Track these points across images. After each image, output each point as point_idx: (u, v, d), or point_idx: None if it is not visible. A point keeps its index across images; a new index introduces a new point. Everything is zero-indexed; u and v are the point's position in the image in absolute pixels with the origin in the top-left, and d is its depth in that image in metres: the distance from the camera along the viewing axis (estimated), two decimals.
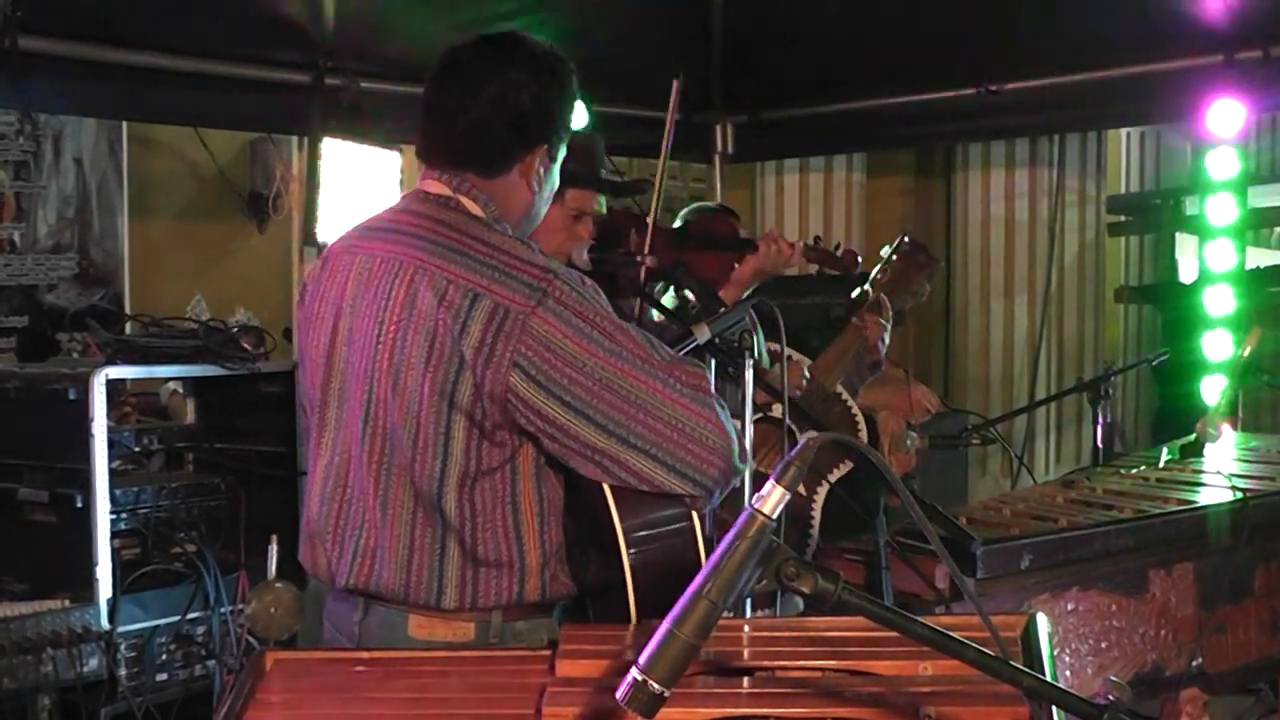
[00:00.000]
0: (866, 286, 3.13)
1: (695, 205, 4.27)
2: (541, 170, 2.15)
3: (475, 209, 2.09)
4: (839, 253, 3.36)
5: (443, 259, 2.00)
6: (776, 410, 2.71)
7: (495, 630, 2.04)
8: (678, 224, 4.03)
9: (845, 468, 2.87)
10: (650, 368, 1.96)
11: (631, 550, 1.96)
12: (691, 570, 1.97)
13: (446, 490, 2.00)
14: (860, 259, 3.38)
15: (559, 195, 2.65)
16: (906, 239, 3.23)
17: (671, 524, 1.99)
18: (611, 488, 1.97)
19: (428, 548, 2.02)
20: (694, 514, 2.01)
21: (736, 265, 3.19)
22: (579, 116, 4.51)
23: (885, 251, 3.23)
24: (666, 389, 1.95)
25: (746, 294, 3.12)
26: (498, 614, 2.04)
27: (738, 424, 2.32)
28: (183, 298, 4.32)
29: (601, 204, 2.90)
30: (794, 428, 2.66)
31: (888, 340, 3.07)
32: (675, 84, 3.10)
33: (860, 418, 3.00)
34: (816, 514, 2.88)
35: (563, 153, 2.20)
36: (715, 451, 1.96)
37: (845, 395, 3.00)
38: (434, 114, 2.14)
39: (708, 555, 2.00)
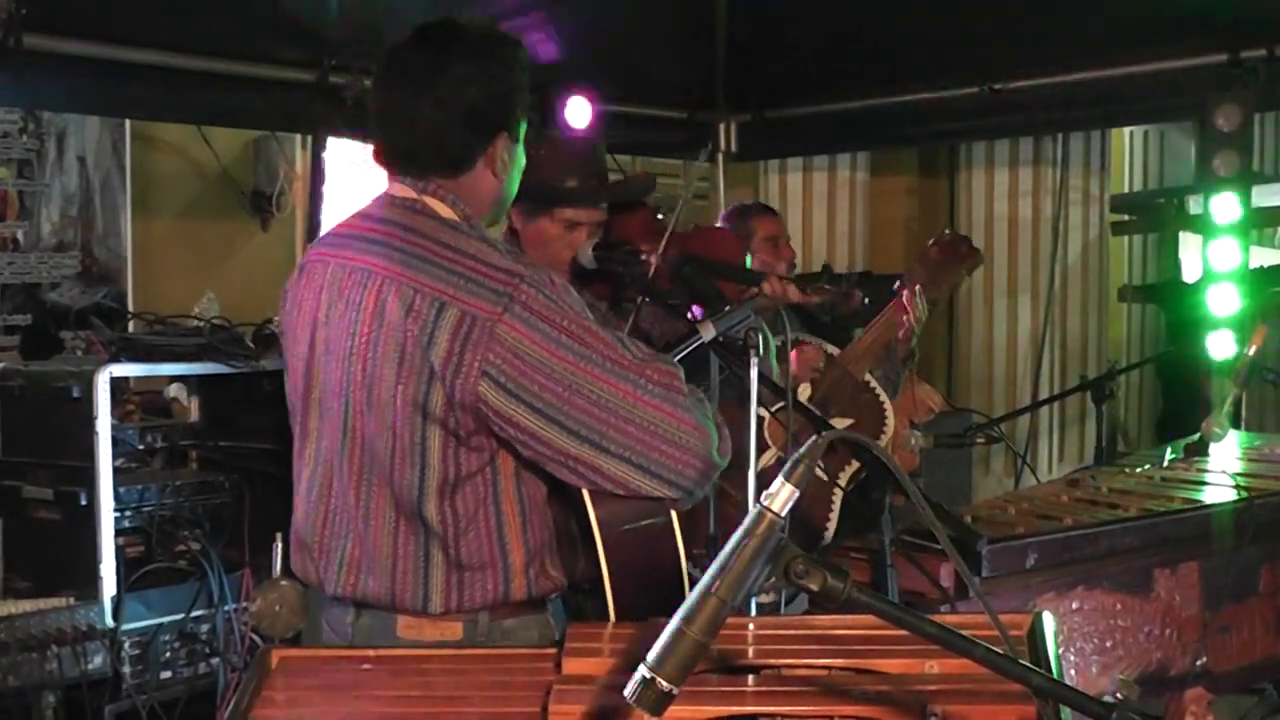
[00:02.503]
0: (904, 277, 3.12)
1: (736, 205, 4.27)
2: (505, 156, 2.12)
3: (444, 210, 2.06)
4: (844, 289, 3.37)
5: (409, 268, 1.97)
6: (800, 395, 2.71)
7: (483, 629, 2.05)
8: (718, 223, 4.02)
9: (853, 468, 2.87)
10: (620, 369, 1.94)
11: (608, 549, 1.96)
12: (670, 570, 1.99)
13: (427, 498, 1.99)
14: (866, 300, 3.38)
15: (550, 211, 2.64)
16: (948, 230, 3.23)
17: (649, 523, 1.99)
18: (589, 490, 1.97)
19: (411, 555, 2.02)
20: (672, 513, 2.00)
21: (739, 289, 3.19)
22: (582, 115, 4.54)
23: (928, 244, 3.22)
24: (638, 390, 1.93)
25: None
26: (484, 614, 2.05)
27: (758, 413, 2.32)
28: (186, 296, 4.31)
29: (602, 211, 2.89)
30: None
31: (919, 332, 3.06)
32: (692, 167, 3.08)
33: (889, 408, 2.99)
34: (833, 520, 2.87)
35: (524, 129, 2.15)
36: (690, 451, 1.95)
37: (875, 385, 2.99)
38: (385, 122, 2.09)
39: (691, 554, 2.02)
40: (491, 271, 1.96)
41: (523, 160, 2.18)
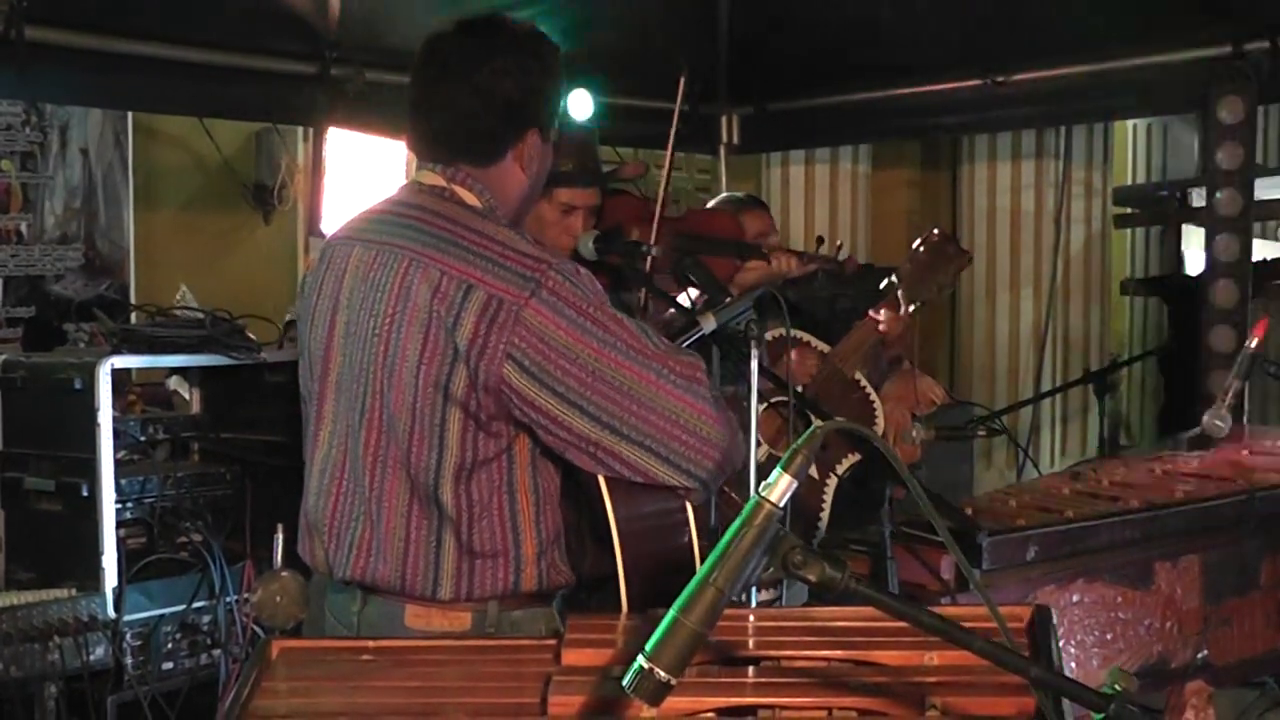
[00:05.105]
0: (892, 278, 3.11)
1: (725, 196, 4.27)
2: (534, 153, 2.15)
3: (470, 199, 2.09)
4: (841, 258, 3.36)
5: (437, 250, 1.99)
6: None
7: (492, 620, 2.05)
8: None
9: (853, 459, 2.87)
10: (644, 358, 1.95)
11: (624, 541, 1.96)
12: (684, 563, 1.99)
13: (443, 481, 2.00)
14: (860, 265, 3.37)
15: (548, 193, 2.65)
16: (936, 230, 3.22)
17: (665, 516, 2.00)
18: (606, 479, 1.98)
19: (423, 540, 2.03)
20: (688, 506, 2.01)
21: (738, 264, 3.18)
22: (583, 108, 4.54)
23: (915, 244, 3.21)
24: (660, 380, 1.95)
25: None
26: (494, 604, 2.05)
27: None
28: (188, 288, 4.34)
29: (596, 194, 2.89)
30: (812, 416, 2.66)
31: (906, 336, 3.05)
32: (681, 77, 3.10)
33: (879, 406, 2.98)
34: (826, 508, 2.87)
35: (554, 132, 2.19)
36: (709, 442, 1.96)
37: (865, 383, 2.99)
38: (421, 108, 2.13)
39: (701, 547, 2.02)
40: (519, 257, 1.98)
41: (549, 162, 2.20)
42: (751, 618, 1.88)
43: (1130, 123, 7.39)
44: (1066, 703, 1.38)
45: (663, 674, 1.27)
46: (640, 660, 1.27)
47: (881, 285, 3.12)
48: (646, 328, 2.01)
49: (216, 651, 3.42)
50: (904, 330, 3.04)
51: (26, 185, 4.87)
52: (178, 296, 4.03)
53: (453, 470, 2.00)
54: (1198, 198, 6.30)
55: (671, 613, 1.29)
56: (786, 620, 1.90)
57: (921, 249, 3.14)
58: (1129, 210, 7.09)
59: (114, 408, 3.28)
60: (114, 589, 3.23)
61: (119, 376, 3.35)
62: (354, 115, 4.40)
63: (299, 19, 4.33)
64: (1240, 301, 4.90)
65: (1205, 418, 3.94)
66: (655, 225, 2.91)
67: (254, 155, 5.52)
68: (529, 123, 2.13)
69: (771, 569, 1.31)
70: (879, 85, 5.39)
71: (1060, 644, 1.76)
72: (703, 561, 1.99)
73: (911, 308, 3.03)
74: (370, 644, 1.80)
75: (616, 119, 4.91)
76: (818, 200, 6.58)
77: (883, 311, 3.02)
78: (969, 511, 3.01)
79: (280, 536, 3.11)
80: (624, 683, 1.29)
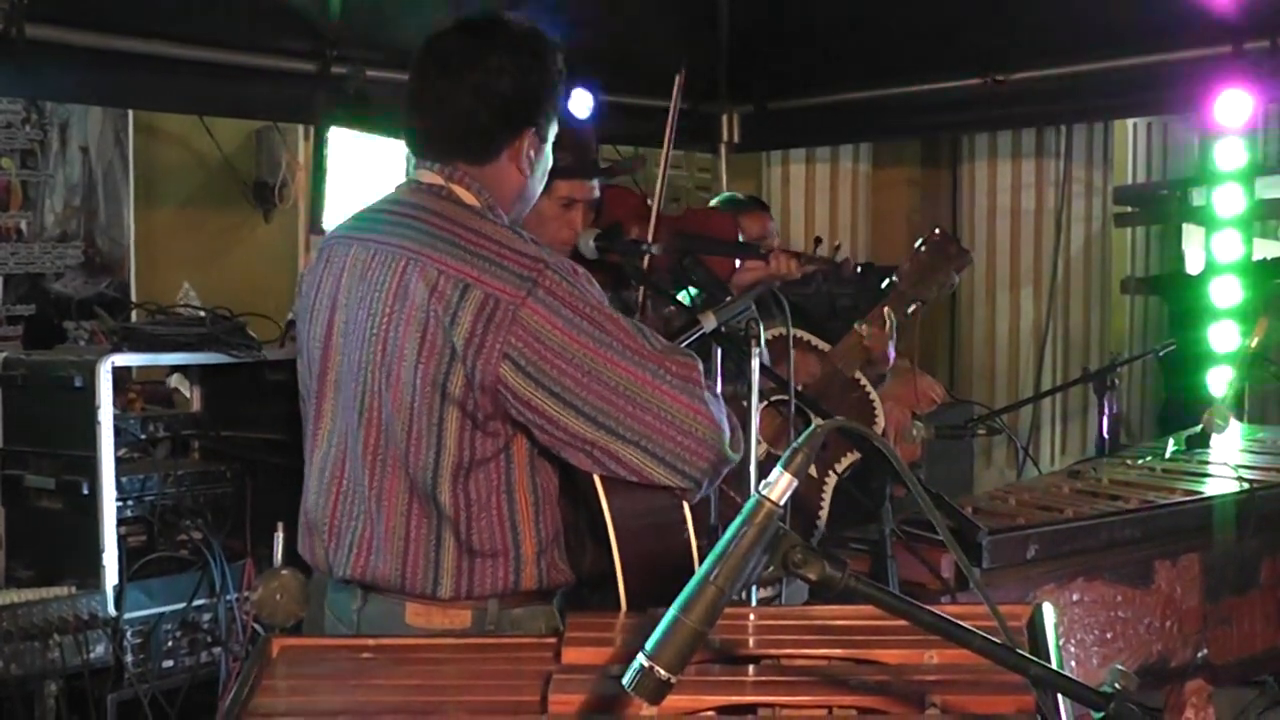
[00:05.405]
0: (893, 278, 3.11)
1: (725, 196, 4.27)
2: (531, 153, 2.14)
3: (468, 198, 2.10)
4: (838, 259, 3.36)
5: (434, 249, 1.99)
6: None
7: (492, 618, 2.05)
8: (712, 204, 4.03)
9: (853, 457, 2.87)
10: (640, 358, 1.95)
11: (621, 541, 1.97)
12: (682, 562, 1.99)
13: (441, 480, 2.00)
14: (859, 268, 3.37)
15: (548, 187, 2.66)
16: (938, 230, 3.21)
17: (662, 515, 2.00)
18: (602, 478, 1.98)
19: (423, 538, 2.03)
20: (684, 505, 2.01)
21: (737, 264, 3.18)
22: (583, 106, 4.53)
23: (917, 244, 3.20)
24: (656, 380, 1.95)
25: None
26: (494, 602, 2.05)
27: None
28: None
29: (594, 187, 2.89)
30: (811, 415, 2.66)
31: (892, 354, 3.05)
32: (679, 76, 3.10)
33: (879, 405, 2.99)
34: (825, 505, 2.88)
35: (553, 132, 2.19)
36: (704, 443, 1.96)
37: (865, 382, 2.99)
38: (418, 106, 2.14)
39: (700, 546, 2.02)
40: (516, 256, 1.98)
41: (549, 162, 2.20)
42: (751, 616, 1.88)
43: (1130, 122, 7.38)
44: (1066, 701, 1.39)
45: (663, 672, 1.27)
46: (640, 658, 1.28)
47: (883, 285, 3.12)
48: (644, 327, 2.02)
49: (217, 649, 3.42)
50: (885, 348, 3.02)
51: (26, 183, 4.87)
52: (180, 295, 4.03)
53: (451, 469, 2.00)
54: (1198, 197, 6.30)
55: (672, 611, 1.29)
56: (786, 619, 1.90)
57: (923, 248, 3.13)
58: (1129, 209, 7.09)
59: (114, 405, 3.29)
60: (114, 587, 3.23)
61: (119, 374, 3.36)
62: (354, 113, 4.40)
63: (299, 17, 4.33)
64: (1240, 301, 4.90)
65: (1206, 416, 3.95)
66: (653, 222, 2.91)
67: (254, 153, 5.52)
68: (526, 122, 2.13)
69: (772, 567, 1.31)
70: (879, 84, 5.38)
71: (1060, 643, 1.77)
72: (700, 560, 2.00)
73: (910, 309, 3.03)
74: (370, 642, 1.81)
75: (616, 117, 4.91)
76: (818, 199, 6.58)
77: (864, 327, 3.01)
78: (969, 510, 3.01)
79: (280, 535, 3.11)
80: (624, 681, 1.29)
